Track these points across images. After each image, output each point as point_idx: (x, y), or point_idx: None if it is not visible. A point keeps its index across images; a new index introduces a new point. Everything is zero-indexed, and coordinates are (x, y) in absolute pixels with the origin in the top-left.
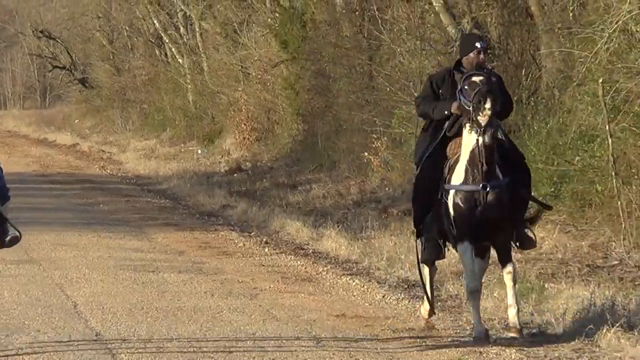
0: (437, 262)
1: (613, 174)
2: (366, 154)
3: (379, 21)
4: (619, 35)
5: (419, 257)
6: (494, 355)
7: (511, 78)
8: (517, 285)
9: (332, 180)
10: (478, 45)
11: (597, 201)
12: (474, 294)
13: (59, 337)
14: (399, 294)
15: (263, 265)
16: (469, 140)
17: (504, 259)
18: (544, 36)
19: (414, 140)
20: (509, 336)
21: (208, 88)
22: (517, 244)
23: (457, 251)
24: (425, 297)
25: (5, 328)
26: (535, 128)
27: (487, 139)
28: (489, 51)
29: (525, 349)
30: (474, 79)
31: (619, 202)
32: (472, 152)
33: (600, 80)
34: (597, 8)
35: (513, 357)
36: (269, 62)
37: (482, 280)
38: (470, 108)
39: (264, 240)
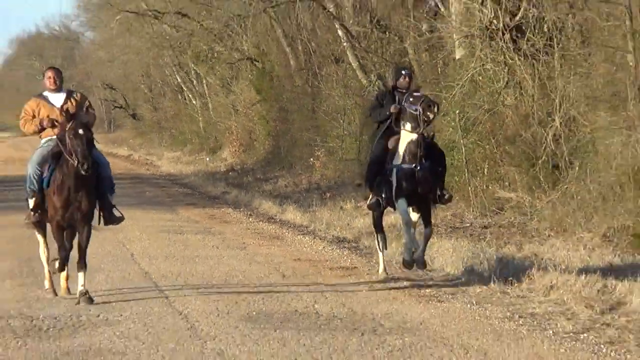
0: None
1: (465, 170)
2: (311, 159)
3: (318, 76)
4: (469, 83)
5: (372, 206)
6: (396, 280)
7: None
8: (429, 239)
9: (291, 176)
10: (404, 72)
11: (456, 187)
12: (408, 224)
13: (122, 275)
14: (333, 246)
15: (248, 229)
16: (407, 136)
17: (426, 221)
18: (422, 84)
19: (341, 151)
20: (416, 268)
21: (212, 119)
22: (438, 200)
23: (396, 206)
24: (380, 253)
25: (89, 270)
26: None
27: (426, 132)
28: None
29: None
30: (416, 94)
31: (469, 188)
32: (409, 143)
33: (457, 112)
34: (454, 66)
35: (412, 279)
36: (249, 102)
37: (415, 220)
38: (420, 111)
39: (249, 213)
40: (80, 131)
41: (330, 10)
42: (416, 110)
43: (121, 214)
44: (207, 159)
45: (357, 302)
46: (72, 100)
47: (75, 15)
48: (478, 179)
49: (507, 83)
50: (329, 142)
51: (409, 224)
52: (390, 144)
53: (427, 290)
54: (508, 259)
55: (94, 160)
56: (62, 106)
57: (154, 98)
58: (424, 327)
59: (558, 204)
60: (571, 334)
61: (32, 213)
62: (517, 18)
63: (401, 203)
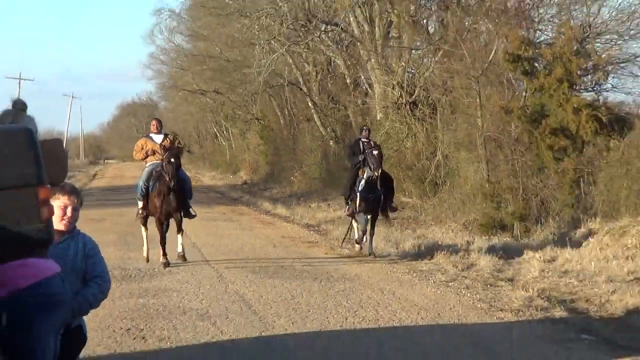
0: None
1: None
2: (292, 178)
3: (297, 129)
4: (385, 134)
5: (349, 214)
6: (342, 249)
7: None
8: (373, 234)
9: (280, 187)
10: (364, 128)
11: None
12: (363, 225)
13: (187, 255)
14: (304, 229)
15: (254, 219)
16: (368, 173)
17: (372, 227)
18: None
19: (309, 173)
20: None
21: (234, 154)
22: (389, 211)
23: (359, 214)
24: (356, 237)
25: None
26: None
27: (376, 174)
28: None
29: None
30: (374, 152)
31: None
32: (368, 179)
33: (383, 132)
34: (376, 124)
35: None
36: (256, 144)
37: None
38: (373, 167)
39: (255, 209)
40: (172, 160)
41: (304, 90)
42: (373, 163)
43: (195, 212)
44: (231, 176)
45: (317, 262)
46: (167, 139)
47: (155, 92)
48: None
49: (407, 135)
50: (303, 168)
51: (363, 225)
52: (360, 174)
53: (360, 257)
54: (407, 238)
55: (180, 177)
56: (161, 143)
57: (200, 140)
58: (358, 277)
59: (437, 205)
60: (443, 282)
61: (140, 212)
62: (413, 97)
63: (361, 215)
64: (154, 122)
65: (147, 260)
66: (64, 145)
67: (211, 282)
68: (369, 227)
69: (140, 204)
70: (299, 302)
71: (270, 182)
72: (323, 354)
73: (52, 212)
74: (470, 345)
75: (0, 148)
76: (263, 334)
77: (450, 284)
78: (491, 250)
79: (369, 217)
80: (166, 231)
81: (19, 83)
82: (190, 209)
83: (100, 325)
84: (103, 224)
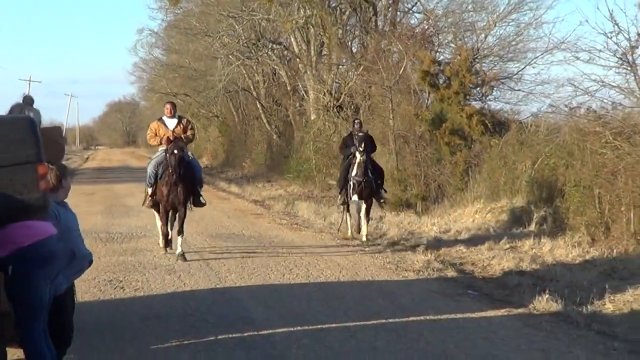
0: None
1: (315, 170)
2: (243, 163)
3: (248, 125)
4: (317, 130)
5: (343, 205)
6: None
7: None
8: (369, 220)
9: (234, 171)
10: (355, 121)
11: (309, 177)
12: (358, 211)
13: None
14: (252, 204)
15: (213, 195)
16: (359, 159)
17: (368, 211)
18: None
19: (257, 160)
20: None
21: (198, 144)
22: (378, 199)
23: (352, 200)
24: (347, 223)
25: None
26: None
27: (363, 158)
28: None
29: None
30: (360, 134)
31: (315, 178)
32: (359, 164)
33: (312, 143)
34: (310, 123)
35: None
36: (215, 136)
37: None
38: (356, 145)
39: (213, 188)
40: (175, 151)
41: (254, 94)
42: (356, 142)
43: (204, 200)
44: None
45: (262, 230)
46: (181, 124)
47: (137, 93)
48: (321, 174)
49: (334, 131)
50: (252, 156)
51: (358, 211)
52: (351, 163)
53: (301, 227)
54: (333, 212)
55: (189, 165)
56: (173, 129)
57: None
58: (294, 243)
59: None
60: (361, 247)
61: (149, 198)
62: (339, 101)
63: (354, 199)
64: (167, 105)
65: (166, 251)
66: (63, 133)
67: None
68: (363, 214)
69: (150, 191)
70: (246, 262)
71: (226, 167)
72: (265, 303)
73: (48, 185)
74: (380, 297)
75: (8, 133)
76: (217, 286)
77: (366, 249)
78: (399, 223)
79: (362, 203)
80: (173, 220)
81: (29, 84)
82: (201, 197)
83: (88, 277)
84: (93, 197)
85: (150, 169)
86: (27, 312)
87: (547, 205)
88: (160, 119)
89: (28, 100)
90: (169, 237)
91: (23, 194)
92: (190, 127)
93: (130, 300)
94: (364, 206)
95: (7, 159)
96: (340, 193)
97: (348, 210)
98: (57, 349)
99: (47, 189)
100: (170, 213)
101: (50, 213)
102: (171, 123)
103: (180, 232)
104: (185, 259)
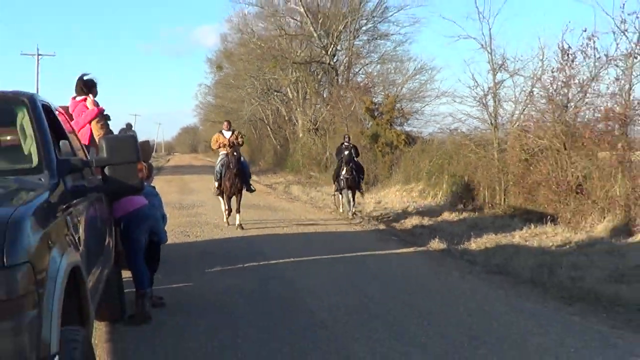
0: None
1: (302, 167)
2: (260, 163)
3: (262, 139)
4: (304, 145)
5: (335, 191)
6: (350, 222)
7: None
8: (355, 202)
9: (254, 168)
10: (345, 137)
11: (295, 167)
12: (347, 200)
13: (213, 199)
14: (265, 187)
15: (264, 190)
16: (344, 164)
17: (353, 198)
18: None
19: (268, 160)
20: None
21: None
22: (360, 191)
23: (343, 190)
24: (340, 203)
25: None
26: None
27: (350, 165)
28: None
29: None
30: (345, 152)
31: (302, 170)
32: (347, 164)
33: (300, 151)
34: (299, 140)
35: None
36: (241, 148)
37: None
38: (344, 160)
39: (265, 184)
40: (235, 153)
41: (265, 122)
42: (343, 157)
43: (254, 188)
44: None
45: (270, 202)
46: (234, 134)
47: (198, 122)
48: (305, 169)
49: (313, 143)
50: (265, 158)
51: (347, 196)
52: (341, 166)
53: (294, 200)
54: (312, 191)
55: (241, 164)
56: (229, 138)
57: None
58: (289, 209)
59: (326, 176)
60: (331, 213)
61: (216, 189)
62: (316, 126)
63: (344, 190)
64: (225, 123)
65: (228, 224)
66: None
67: (220, 211)
68: (350, 198)
69: (216, 184)
70: (261, 221)
71: (249, 165)
72: (272, 245)
73: (144, 175)
74: (340, 241)
75: (122, 145)
76: (244, 235)
77: (332, 213)
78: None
79: (349, 192)
80: (236, 203)
81: (135, 117)
82: (251, 186)
83: (167, 230)
84: (171, 183)
85: (217, 168)
86: (132, 249)
87: (438, 187)
88: (220, 131)
89: (129, 126)
90: (230, 214)
91: (129, 180)
92: (240, 136)
93: (193, 243)
94: (350, 194)
95: (123, 160)
96: (334, 184)
97: (341, 193)
98: (150, 272)
99: (142, 178)
100: (231, 198)
101: (153, 192)
102: (227, 134)
103: (238, 210)
104: (242, 228)
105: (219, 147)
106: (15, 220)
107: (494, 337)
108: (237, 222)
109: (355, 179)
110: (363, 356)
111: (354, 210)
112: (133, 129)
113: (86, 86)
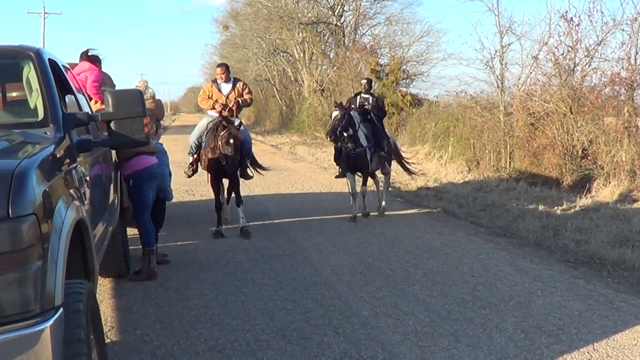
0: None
1: (307, 128)
2: (266, 123)
3: (268, 99)
4: (310, 105)
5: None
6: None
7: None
8: (384, 195)
9: (260, 127)
10: (364, 80)
11: (307, 133)
12: (351, 184)
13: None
14: (271, 147)
15: (269, 150)
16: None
17: (364, 182)
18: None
19: (274, 120)
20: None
21: None
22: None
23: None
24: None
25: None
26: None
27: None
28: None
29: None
30: (361, 94)
31: (307, 133)
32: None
33: (306, 112)
34: (304, 100)
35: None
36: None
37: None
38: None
39: (270, 144)
40: (231, 141)
41: (271, 82)
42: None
43: (252, 173)
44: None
45: (276, 162)
46: (236, 89)
47: (204, 82)
48: (311, 129)
49: (319, 104)
50: (271, 118)
51: (351, 183)
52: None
53: (299, 160)
54: (312, 153)
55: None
56: (227, 95)
57: None
58: (295, 170)
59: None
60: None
61: (189, 167)
62: (322, 86)
63: (348, 174)
64: (218, 70)
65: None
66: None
67: None
68: (365, 190)
69: (191, 159)
70: (266, 180)
71: (255, 125)
72: (277, 204)
73: (149, 130)
74: (345, 201)
75: (129, 100)
76: (249, 194)
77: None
78: None
79: (366, 179)
80: (228, 194)
81: (141, 75)
82: (248, 169)
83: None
84: (177, 142)
85: (191, 140)
86: (139, 207)
87: (444, 149)
88: (215, 81)
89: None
90: (222, 211)
91: (136, 135)
92: (247, 90)
93: (198, 202)
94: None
95: (129, 114)
96: (336, 162)
97: (342, 175)
98: (156, 228)
99: (149, 132)
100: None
101: (163, 150)
102: (225, 88)
103: (239, 202)
104: (248, 235)
105: (212, 109)
106: (20, 172)
107: (497, 298)
108: (241, 223)
109: (367, 155)
110: (366, 314)
111: (381, 209)
112: (149, 88)
113: (90, 62)
